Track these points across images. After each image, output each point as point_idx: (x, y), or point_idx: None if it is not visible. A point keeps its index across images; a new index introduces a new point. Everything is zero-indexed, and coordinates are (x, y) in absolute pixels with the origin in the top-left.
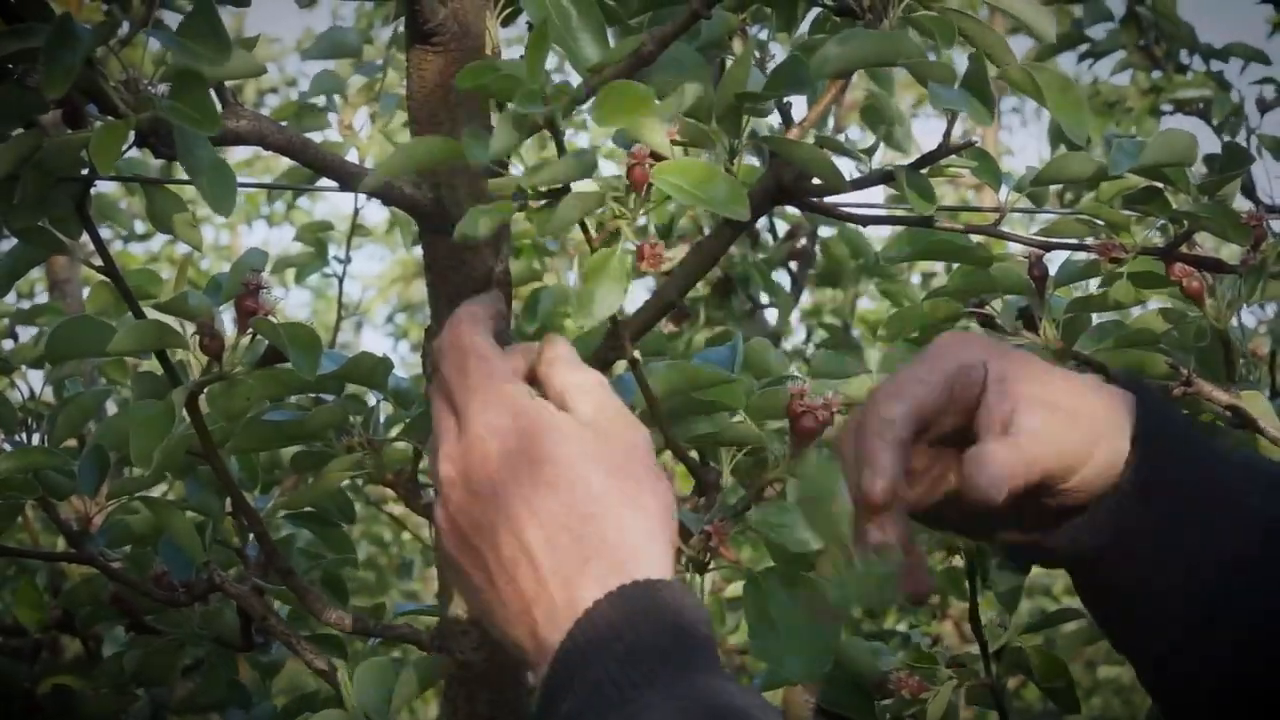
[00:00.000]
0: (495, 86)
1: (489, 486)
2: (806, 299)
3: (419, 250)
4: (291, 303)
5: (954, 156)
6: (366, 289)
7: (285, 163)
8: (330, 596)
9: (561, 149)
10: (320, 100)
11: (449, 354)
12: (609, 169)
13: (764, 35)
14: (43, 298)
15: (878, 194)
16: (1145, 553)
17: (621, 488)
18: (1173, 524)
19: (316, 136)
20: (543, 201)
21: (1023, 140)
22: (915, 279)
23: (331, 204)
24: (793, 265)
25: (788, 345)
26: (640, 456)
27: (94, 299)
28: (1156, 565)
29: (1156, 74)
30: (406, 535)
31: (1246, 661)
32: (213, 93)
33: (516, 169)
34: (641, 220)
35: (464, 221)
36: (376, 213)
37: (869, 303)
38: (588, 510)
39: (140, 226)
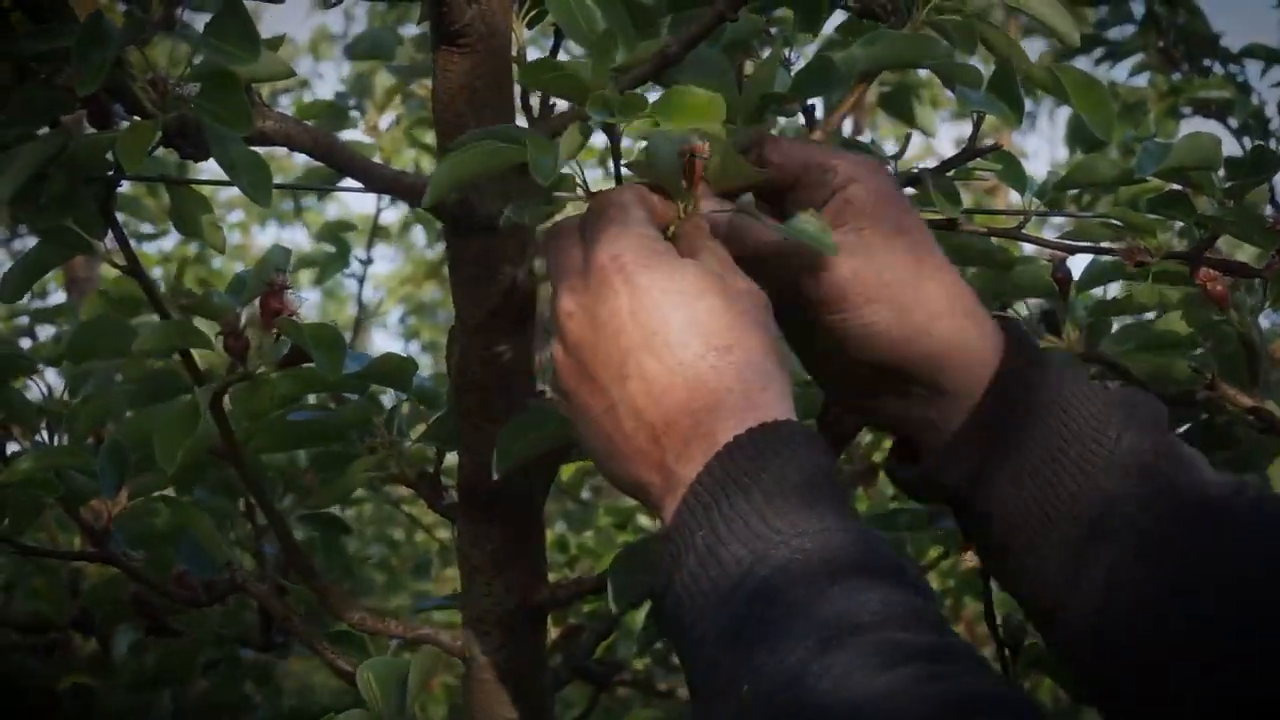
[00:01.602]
0: (556, 85)
1: (614, 316)
2: None
3: (430, 252)
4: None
5: (979, 159)
6: (377, 289)
7: (299, 164)
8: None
9: (618, 156)
10: (353, 101)
11: (593, 206)
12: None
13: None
14: (56, 297)
15: None
16: (1008, 487)
17: (752, 328)
18: (1038, 460)
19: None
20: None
21: (1035, 144)
22: None
23: (343, 204)
24: None
25: None
26: (763, 306)
27: (88, 309)
28: (1021, 501)
29: (1176, 76)
30: (421, 535)
31: (1122, 600)
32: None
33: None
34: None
35: (511, 209)
36: (389, 213)
37: None
38: (724, 342)
39: (149, 227)
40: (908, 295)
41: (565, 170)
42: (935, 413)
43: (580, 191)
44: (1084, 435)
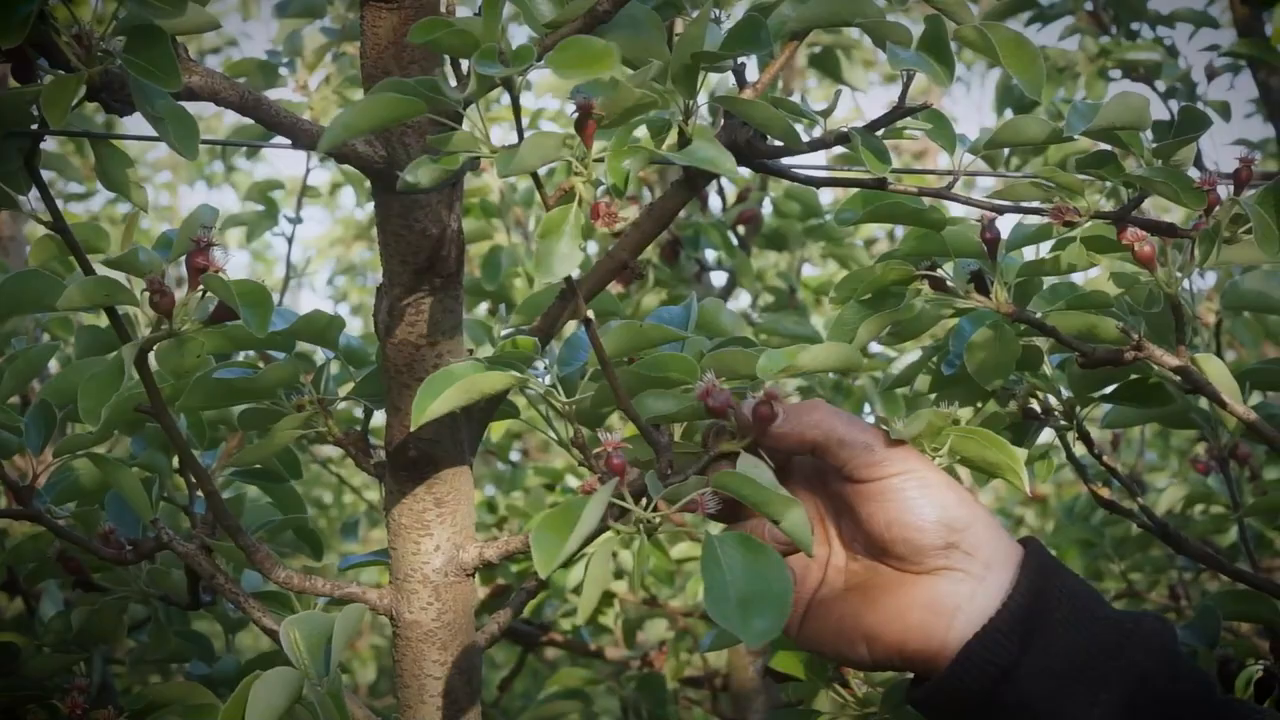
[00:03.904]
0: (449, 42)
1: None
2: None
3: (359, 213)
4: (230, 266)
5: (909, 119)
6: (305, 251)
7: (227, 124)
8: (306, 550)
9: (518, 110)
10: (284, 60)
11: None
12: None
13: None
14: None
15: (821, 158)
16: (1030, 693)
17: None
18: (1060, 668)
19: (271, 95)
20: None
21: (964, 109)
22: (858, 243)
23: (273, 165)
24: (741, 229)
25: (732, 308)
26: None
27: (38, 252)
28: (1047, 692)
29: (1104, 39)
30: (350, 496)
31: None
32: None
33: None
34: (601, 181)
35: (408, 170)
36: (319, 174)
37: (812, 269)
38: None
39: (79, 187)
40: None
41: (472, 129)
42: (967, 598)
43: (485, 149)
44: (1109, 651)
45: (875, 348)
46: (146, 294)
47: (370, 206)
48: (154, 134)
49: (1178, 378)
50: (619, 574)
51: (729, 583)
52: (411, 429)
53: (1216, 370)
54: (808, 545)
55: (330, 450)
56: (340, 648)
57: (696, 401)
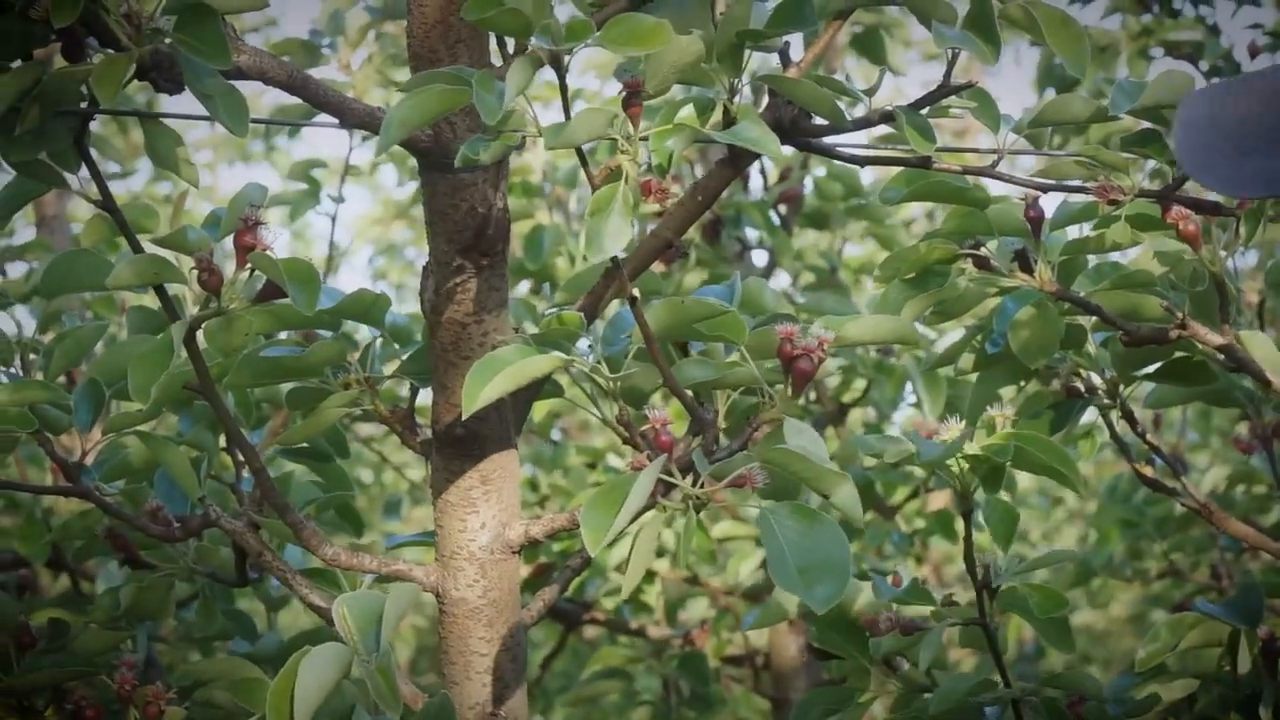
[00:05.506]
0: (501, 21)
1: None
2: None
3: (399, 192)
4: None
5: (953, 97)
6: (346, 229)
7: (267, 103)
8: (346, 526)
9: (564, 87)
10: (326, 39)
11: None
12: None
13: None
14: (24, 234)
15: (863, 137)
16: None
17: None
18: None
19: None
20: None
21: (997, 87)
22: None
23: (312, 147)
24: (782, 208)
25: (774, 287)
26: None
27: (89, 233)
28: None
29: (1146, 17)
30: (390, 474)
31: None
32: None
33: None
34: (643, 159)
35: (467, 145)
36: (360, 152)
37: (854, 248)
38: None
39: (116, 166)
40: None
41: (518, 108)
42: None
43: (533, 128)
44: None
45: (917, 327)
46: (195, 272)
47: (410, 185)
48: (203, 112)
49: (1221, 356)
50: (661, 552)
51: (787, 553)
52: (463, 418)
53: (1261, 348)
54: (859, 520)
55: (371, 428)
56: (392, 626)
57: (740, 364)
